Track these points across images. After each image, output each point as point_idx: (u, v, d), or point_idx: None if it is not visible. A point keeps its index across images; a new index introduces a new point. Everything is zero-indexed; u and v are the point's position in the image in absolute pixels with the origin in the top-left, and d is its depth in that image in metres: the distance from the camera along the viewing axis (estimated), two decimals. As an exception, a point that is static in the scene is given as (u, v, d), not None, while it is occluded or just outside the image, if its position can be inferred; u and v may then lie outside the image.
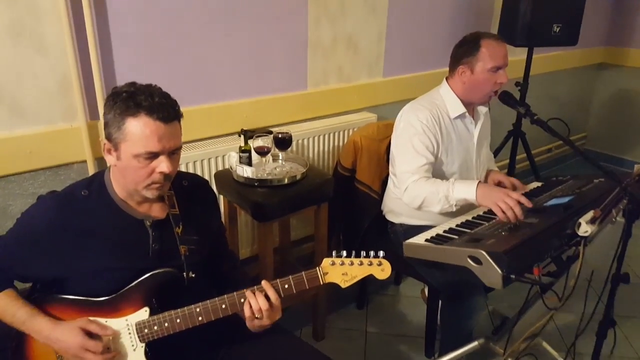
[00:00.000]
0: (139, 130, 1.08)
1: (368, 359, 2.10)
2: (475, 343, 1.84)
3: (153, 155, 1.12)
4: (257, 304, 1.19)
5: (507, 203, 1.52)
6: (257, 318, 1.20)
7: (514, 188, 1.88)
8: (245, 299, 1.20)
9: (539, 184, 1.95)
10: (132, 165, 1.12)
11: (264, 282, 1.21)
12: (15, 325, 1.16)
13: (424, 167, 1.77)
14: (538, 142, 3.73)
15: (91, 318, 1.17)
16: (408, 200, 1.77)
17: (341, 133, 2.43)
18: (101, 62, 1.73)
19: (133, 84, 1.13)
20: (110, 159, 1.15)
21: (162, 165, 1.12)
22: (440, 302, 1.99)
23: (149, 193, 1.17)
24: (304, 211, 1.98)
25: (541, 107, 3.64)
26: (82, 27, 1.65)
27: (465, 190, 1.65)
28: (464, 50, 1.79)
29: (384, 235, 2.07)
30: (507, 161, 3.08)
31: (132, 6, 1.75)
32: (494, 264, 1.27)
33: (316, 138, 2.34)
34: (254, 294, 1.20)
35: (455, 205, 1.69)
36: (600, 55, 4.01)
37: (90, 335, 1.14)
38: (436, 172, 1.85)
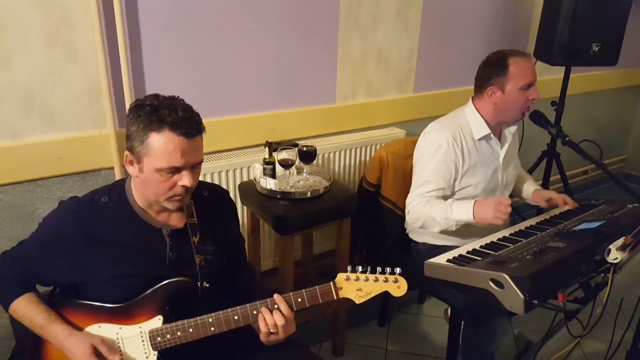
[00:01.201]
0: (163, 145, 1.09)
1: (386, 377, 2.07)
2: (497, 368, 1.78)
3: (175, 170, 1.13)
4: (272, 319, 1.19)
5: (502, 211, 1.57)
6: (272, 333, 1.20)
7: (564, 202, 1.84)
8: (257, 311, 1.20)
9: (575, 204, 1.88)
10: (155, 178, 1.13)
11: (276, 296, 1.21)
12: (33, 329, 1.19)
13: (431, 193, 1.78)
14: (574, 163, 3.62)
15: (108, 327, 1.20)
16: (410, 221, 1.82)
17: (368, 148, 2.42)
18: (131, 70, 1.78)
19: (156, 96, 1.14)
20: (132, 170, 1.17)
21: (184, 179, 1.14)
22: (462, 323, 1.93)
23: (170, 205, 1.19)
24: (326, 225, 1.97)
25: (578, 128, 3.58)
26: (113, 36, 1.70)
27: (464, 211, 1.68)
28: (492, 71, 1.76)
29: (407, 253, 2.04)
30: (540, 182, 2.99)
31: (163, 16, 1.79)
32: (516, 288, 1.23)
33: (343, 152, 2.35)
34: (269, 309, 1.20)
35: (456, 225, 1.72)
36: (642, 76, 3.88)
37: (98, 355, 1.16)
38: (461, 193, 1.84)
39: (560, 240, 1.48)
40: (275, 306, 1.20)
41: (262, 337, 1.23)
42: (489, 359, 1.78)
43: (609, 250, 1.34)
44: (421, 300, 2.55)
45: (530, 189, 2.02)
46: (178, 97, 1.16)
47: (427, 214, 1.74)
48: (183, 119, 1.10)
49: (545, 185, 2.97)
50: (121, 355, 1.20)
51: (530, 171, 2.87)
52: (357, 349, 2.21)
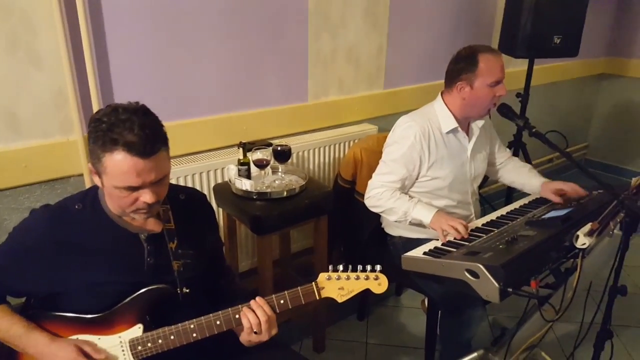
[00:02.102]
0: (117, 166, 1.06)
1: (368, 371, 2.10)
2: (474, 354, 1.83)
3: (134, 189, 1.10)
4: (256, 319, 1.19)
5: (443, 228, 1.66)
6: (255, 333, 1.20)
7: (575, 192, 1.83)
8: (239, 315, 1.20)
9: (538, 196, 1.94)
10: (115, 193, 1.11)
11: (258, 299, 1.21)
12: (10, 340, 1.16)
13: (395, 184, 1.83)
14: (539, 152, 3.73)
15: (87, 338, 1.17)
16: (369, 205, 1.89)
17: (342, 145, 2.44)
18: (97, 75, 1.74)
19: (115, 110, 1.07)
20: (97, 181, 1.14)
21: (145, 196, 1.11)
22: (439, 313, 1.98)
23: (137, 216, 1.17)
24: (304, 224, 1.98)
25: (543, 118, 3.69)
26: (78, 41, 1.66)
27: (423, 214, 1.75)
28: (462, 67, 1.79)
29: (383, 247, 2.07)
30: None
31: (128, 19, 1.76)
32: (491, 277, 1.28)
33: (317, 150, 2.36)
34: (251, 309, 1.20)
35: (410, 222, 1.81)
36: (601, 66, 4.02)
37: (85, 355, 1.14)
38: (429, 184, 1.88)
39: (531, 229, 1.54)
40: (259, 307, 1.20)
41: (244, 337, 1.23)
42: (466, 347, 1.83)
43: (577, 237, 1.39)
44: (399, 292, 2.59)
45: (535, 183, 1.97)
46: (141, 107, 1.10)
47: (390, 205, 1.81)
48: (139, 139, 1.04)
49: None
50: (106, 358, 1.17)
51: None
52: (338, 344, 2.24)
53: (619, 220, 1.33)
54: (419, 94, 2.60)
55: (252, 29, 2.07)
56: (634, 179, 1.40)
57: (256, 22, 2.07)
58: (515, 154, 3.00)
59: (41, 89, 1.65)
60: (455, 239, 1.62)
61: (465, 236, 1.62)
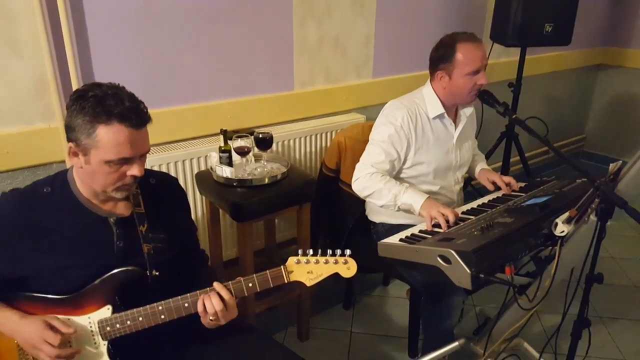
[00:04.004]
0: (112, 137, 1.08)
1: (352, 358, 2.09)
2: (455, 343, 1.83)
3: (125, 161, 1.12)
4: (212, 306, 1.19)
5: (433, 215, 1.61)
6: (211, 320, 1.21)
7: (508, 185, 1.87)
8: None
9: (522, 184, 1.93)
10: (103, 170, 1.12)
11: (215, 284, 1.21)
12: None
13: (382, 165, 1.79)
14: (535, 143, 3.70)
15: (57, 316, 1.18)
16: (357, 188, 1.82)
17: (329, 134, 2.42)
18: (78, 61, 1.74)
19: (98, 85, 1.10)
20: (76, 162, 1.14)
21: (134, 169, 1.14)
22: (422, 301, 1.97)
23: (118, 194, 1.18)
24: (286, 212, 1.97)
25: (539, 108, 3.65)
26: (57, 27, 1.66)
27: (414, 199, 1.70)
28: (440, 56, 1.78)
29: (368, 236, 2.06)
30: (500, 163, 3.05)
31: (109, 5, 1.75)
32: (462, 263, 1.26)
33: (303, 139, 2.34)
34: (209, 296, 1.20)
35: (400, 207, 1.75)
36: (599, 56, 3.97)
37: (53, 329, 1.15)
38: (414, 170, 1.86)
39: (508, 216, 1.52)
40: (217, 293, 1.20)
41: (203, 321, 1.23)
42: (448, 334, 1.83)
43: (556, 224, 1.37)
44: (386, 282, 2.58)
45: (476, 168, 2.07)
46: (119, 85, 1.14)
47: (380, 186, 1.75)
48: (131, 110, 1.08)
49: (505, 166, 3.04)
50: (75, 333, 1.18)
51: (490, 152, 2.93)
52: (323, 333, 2.23)
53: (594, 206, 1.31)
54: (409, 83, 2.56)
55: (236, 16, 2.05)
56: (611, 165, 1.38)
57: (240, 9, 2.05)
58: (507, 145, 2.98)
59: (21, 76, 1.66)
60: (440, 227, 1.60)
61: (453, 225, 1.58)
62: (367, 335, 2.23)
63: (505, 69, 3.08)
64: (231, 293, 1.21)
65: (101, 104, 1.06)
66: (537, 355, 1.80)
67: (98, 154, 1.10)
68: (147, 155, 1.21)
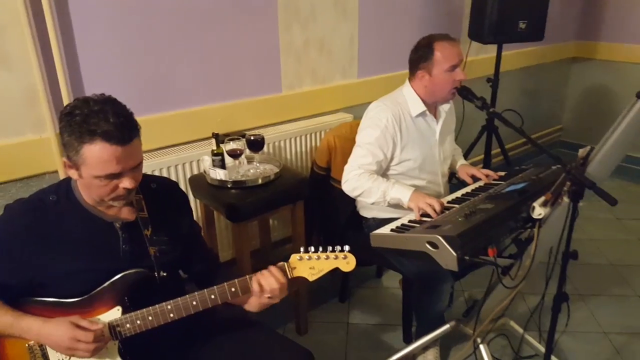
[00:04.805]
0: (97, 155, 1.10)
1: (349, 348, 2.18)
2: (447, 326, 1.93)
3: (114, 176, 1.15)
4: (268, 285, 1.28)
5: (420, 206, 1.72)
6: (268, 297, 1.30)
7: (487, 177, 2.00)
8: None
9: (502, 173, 2.04)
10: (95, 183, 1.15)
11: (271, 267, 1.30)
12: (1, 330, 1.20)
13: (370, 166, 1.90)
14: (514, 136, 3.82)
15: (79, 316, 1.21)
16: (347, 189, 1.92)
17: (318, 134, 2.51)
18: (67, 72, 1.77)
19: (86, 102, 1.12)
20: (73, 174, 1.18)
21: (125, 182, 1.16)
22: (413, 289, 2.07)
23: (116, 203, 1.22)
24: (280, 211, 2.05)
25: (518, 102, 3.79)
26: (45, 38, 1.69)
27: (401, 193, 1.82)
28: (420, 56, 1.90)
29: (360, 231, 2.15)
30: (482, 156, 3.17)
31: (97, 15, 1.79)
32: (448, 247, 1.36)
33: (293, 140, 2.43)
34: (264, 275, 1.28)
35: (389, 202, 1.86)
36: (572, 50, 4.13)
37: (80, 329, 1.19)
38: (401, 166, 1.96)
39: (490, 202, 1.63)
40: (271, 274, 1.28)
41: (254, 301, 1.33)
42: (439, 318, 1.94)
43: (534, 208, 1.48)
44: (379, 274, 2.68)
45: (457, 165, 2.18)
46: (109, 97, 1.15)
47: (369, 185, 1.86)
48: (115, 127, 1.09)
49: (487, 158, 3.16)
50: (103, 327, 1.22)
51: (473, 145, 3.05)
52: (320, 326, 2.32)
53: (566, 189, 1.42)
54: (394, 82, 2.65)
55: (223, 23, 2.13)
56: (580, 150, 1.49)
57: (227, 16, 2.13)
58: (488, 138, 3.10)
59: (11, 89, 1.68)
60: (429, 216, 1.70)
61: (440, 214, 1.68)
62: (363, 325, 2.32)
63: (483, 65, 3.21)
64: (285, 273, 1.29)
65: (86, 122, 1.09)
66: (522, 331, 1.91)
67: (87, 169, 1.13)
68: (142, 165, 1.23)
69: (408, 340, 2.14)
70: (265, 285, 1.28)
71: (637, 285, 2.57)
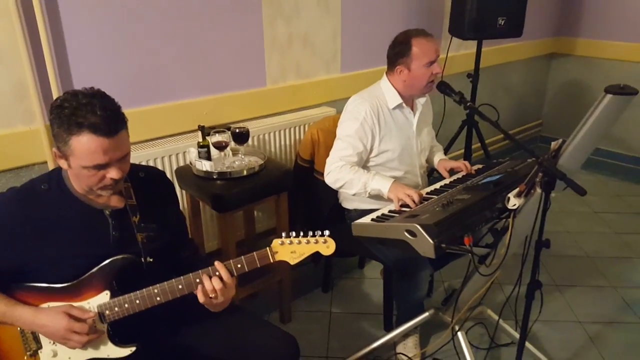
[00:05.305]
0: (84, 147, 1.15)
1: (332, 336, 2.24)
2: (426, 314, 2.00)
3: (101, 166, 1.19)
4: (211, 285, 1.29)
5: (399, 197, 1.79)
6: (211, 298, 1.30)
7: (465, 169, 2.07)
8: (200, 280, 1.30)
9: (480, 166, 2.11)
10: (83, 173, 1.20)
11: (216, 263, 1.31)
12: None
13: (350, 158, 1.95)
14: (495, 130, 3.90)
15: (57, 305, 1.26)
16: (329, 181, 1.98)
17: (302, 127, 2.54)
18: (56, 65, 1.80)
19: (75, 95, 1.16)
20: (62, 164, 1.23)
21: (112, 172, 1.21)
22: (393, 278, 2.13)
23: (104, 192, 1.27)
24: (265, 202, 2.10)
25: (498, 97, 3.87)
26: (35, 31, 1.71)
27: (382, 184, 1.88)
28: (398, 52, 1.96)
29: (342, 223, 2.20)
30: (463, 150, 3.24)
31: (85, 9, 1.81)
32: (426, 235, 1.42)
33: (277, 133, 2.46)
34: (208, 276, 1.30)
35: (370, 193, 1.92)
36: (550, 46, 4.22)
37: (74, 318, 1.23)
38: (380, 157, 2.02)
39: (467, 193, 1.69)
40: (217, 273, 1.31)
41: (203, 302, 1.32)
42: (418, 305, 2.01)
43: (508, 198, 1.55)
44: (361, 265, 2.74)
45: (435, 159, 2.24)
46: (98, 91, 1.19)
47: (350, 177, 1.92)
48: (102, 120, 1.14)
49: (467, 152, 3.23)
50: (95, 315, 1.27)
51: (453, 140, 3.12)
52: (304, 315, 2.37)
53: (538, 180, 1.48)
54: (376, 77, 2.69)
55: (208, 17, 2.15)
56: (552, 143, 1.55)
57: (212, 10, 2.15)
58: (469, 133, 3.17)
59: (1, 81, 1.71)
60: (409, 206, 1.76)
61: (418, 204, 1.75)
62: (345, 314, 2.38)
63: (463, 61, 3.27)
64: (231, 271, 1.31)
65: (74, 114, 1.13)
66: (496, 318, 1.99)
67: (75, 160, 1.18)
68: (129, 155, 1.27)
69: (389, 329, 2.20)
70: (207, 286, 1.29)
71: (612, 277, 2.66)
